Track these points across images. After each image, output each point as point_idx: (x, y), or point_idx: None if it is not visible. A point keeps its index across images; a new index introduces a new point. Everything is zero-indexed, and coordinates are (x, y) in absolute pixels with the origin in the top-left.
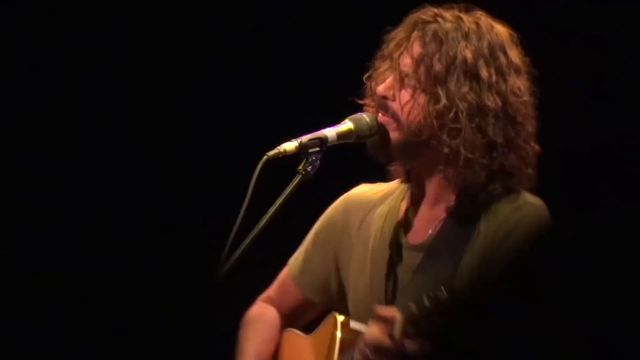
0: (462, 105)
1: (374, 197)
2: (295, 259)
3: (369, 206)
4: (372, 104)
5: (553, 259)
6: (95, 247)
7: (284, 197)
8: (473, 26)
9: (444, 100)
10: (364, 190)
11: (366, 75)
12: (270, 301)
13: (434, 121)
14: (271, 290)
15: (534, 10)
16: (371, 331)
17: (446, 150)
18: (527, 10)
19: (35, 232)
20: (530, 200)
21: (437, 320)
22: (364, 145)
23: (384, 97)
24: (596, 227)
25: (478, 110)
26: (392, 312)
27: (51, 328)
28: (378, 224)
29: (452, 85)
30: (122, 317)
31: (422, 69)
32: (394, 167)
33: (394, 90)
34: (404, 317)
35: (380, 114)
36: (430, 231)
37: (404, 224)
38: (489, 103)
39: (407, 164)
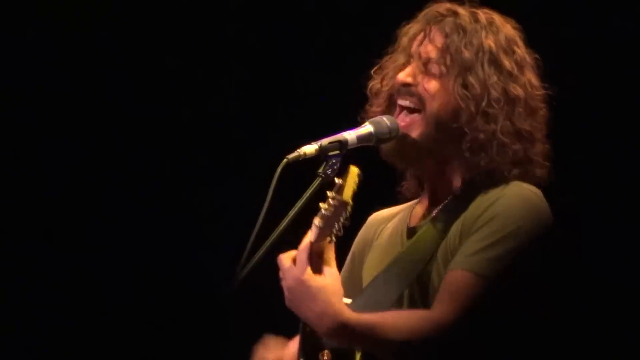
0: (493, 93)
1: (392, 212)
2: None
3: (387, 219)
4: (382, 103)
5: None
6: (111, 254)
7: (303, 200)
8: (489, 19)
9: (477, 87)
10: (384, 210)
11: (374, 69)
12: None
13: (472, 106)
14: None
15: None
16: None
17: (481, 136)
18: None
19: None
20: (523, 184)
21: None
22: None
23: (406, 84)
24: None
25: (507, 99)
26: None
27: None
28: (391, 229)
29: (480, 73)
30: (138, 324)
31: (448, 57)
32: (404, 186)
33: (416, 78)
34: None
35: (399, 119)
36: (432, 213)
37: (411, 219)
38: (515, 92)
39: (424, 166)
